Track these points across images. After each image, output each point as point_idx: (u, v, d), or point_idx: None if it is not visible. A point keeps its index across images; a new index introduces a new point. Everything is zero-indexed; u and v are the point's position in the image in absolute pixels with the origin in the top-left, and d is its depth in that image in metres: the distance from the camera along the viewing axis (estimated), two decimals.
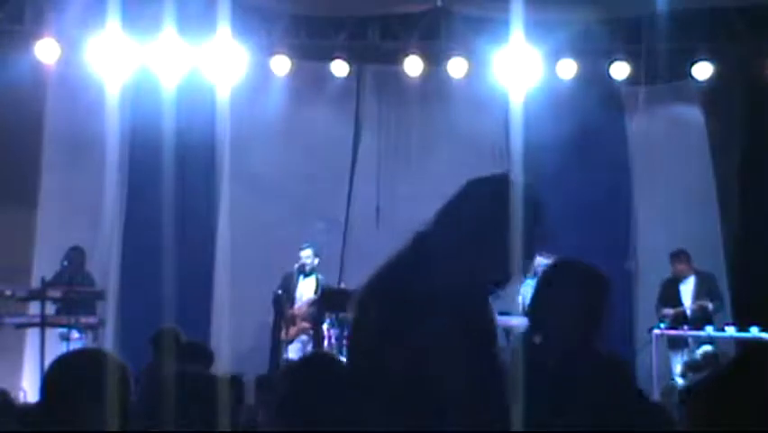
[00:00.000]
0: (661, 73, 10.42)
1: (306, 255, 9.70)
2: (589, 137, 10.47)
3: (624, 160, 11.05)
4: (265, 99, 10.68)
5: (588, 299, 3.16)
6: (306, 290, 9.75)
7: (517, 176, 2.74)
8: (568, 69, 10.36)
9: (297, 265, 9.69)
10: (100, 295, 9.23)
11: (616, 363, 3.16)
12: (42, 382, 2.85)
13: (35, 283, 8.97)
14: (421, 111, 11.09)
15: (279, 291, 9.51)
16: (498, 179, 2.73)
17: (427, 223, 2.69)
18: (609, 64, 10.46)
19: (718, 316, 9.63)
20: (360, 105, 11.15)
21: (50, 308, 8.66)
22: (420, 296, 2.52)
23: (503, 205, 2.60)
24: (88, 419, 2.68)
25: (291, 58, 10.43)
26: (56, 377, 2.82)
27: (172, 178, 8.92)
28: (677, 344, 9.63)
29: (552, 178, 9.20)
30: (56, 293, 8.59)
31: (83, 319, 8.78)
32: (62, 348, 8.55)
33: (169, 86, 9.80)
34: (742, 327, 9.11)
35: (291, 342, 9.58)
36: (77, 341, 8.88)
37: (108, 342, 9.45)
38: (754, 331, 8.89)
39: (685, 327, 9.50)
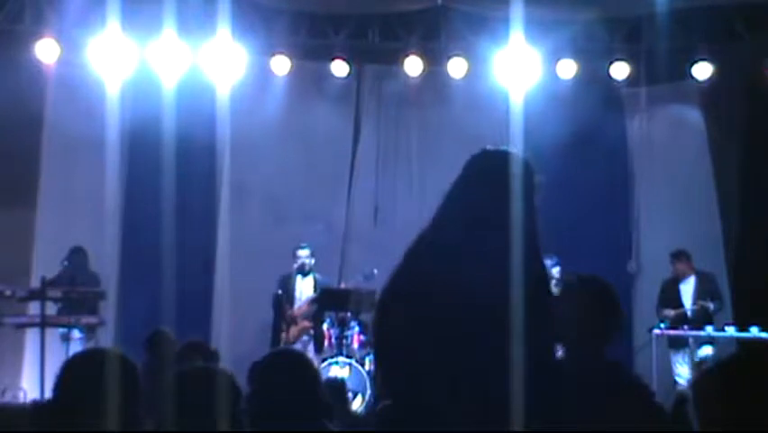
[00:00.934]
0: (661, 73, 10.40)
1: (305, 255, 9.71)
2: (589, 137, 10.46)
3: (624, 160, 11.06)
4: (265, 99, 10.67)
5: (604, 314, 3.22)
6: (305, 289, 9.75)
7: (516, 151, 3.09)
8: (568, 69, 10.36)
9: (295, 265, 9.69)
10: (101, 295, 9.23)
11: (640, 385, 3.18)
12: (57, 380, 2.88)
13: (35, 283, 8.96)
14: (420, 111, 11.09)
15: (279, 292, 9.51)
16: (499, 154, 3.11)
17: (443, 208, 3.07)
18: (609, 64, 10.45)
19: (719, 316, 9.63)
20: (359, 105, 11.15)
21: (51, 308, 8.66)
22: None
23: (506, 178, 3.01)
24: (101, 417, 2.71)
25: (291, 57, 10.43)
26: (71, 375, 2.86)
27: (172, 178, 8.91)
28: (677, 344, 9.64)
29: (552, 178, 9.16)
30: (56, 293, 8.57)
31: (84, 319, 8.77)
32: (63, 349, 8.57)
33: (168, 85, 9.79)
34: (742, 327, 9.12)
35: (293, 343, 9.56)
36: (78, 341, 8.89)
37: (108, 342, 9.45)
38: (754, 331, 8.91)
39: (685, 327, 9.51)
